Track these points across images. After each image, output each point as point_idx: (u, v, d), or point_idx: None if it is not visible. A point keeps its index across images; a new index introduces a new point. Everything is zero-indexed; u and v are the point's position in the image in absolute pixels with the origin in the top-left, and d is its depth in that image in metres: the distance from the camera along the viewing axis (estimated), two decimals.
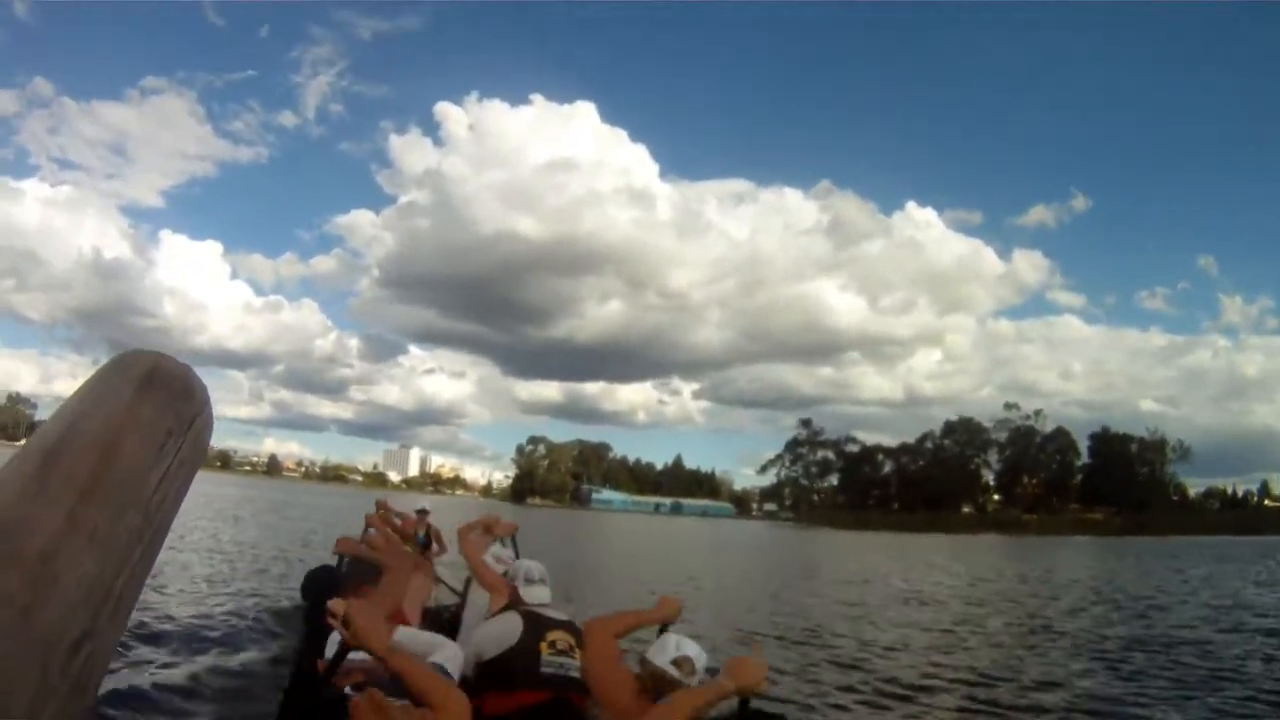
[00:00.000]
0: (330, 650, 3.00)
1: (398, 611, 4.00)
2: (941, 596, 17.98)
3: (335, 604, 2.47)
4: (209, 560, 14.69)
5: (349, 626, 2.40)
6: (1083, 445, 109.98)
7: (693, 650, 2.82)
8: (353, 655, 2.69)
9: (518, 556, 5.65)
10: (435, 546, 9.47)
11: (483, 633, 3.84)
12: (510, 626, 3.69)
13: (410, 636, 3.24)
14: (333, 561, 6.89)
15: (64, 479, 0.56)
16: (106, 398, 0.65)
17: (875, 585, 20.30)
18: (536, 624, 3.70)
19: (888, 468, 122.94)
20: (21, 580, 0.48)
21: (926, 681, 8.39)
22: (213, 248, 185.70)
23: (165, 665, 7.07)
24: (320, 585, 3.70)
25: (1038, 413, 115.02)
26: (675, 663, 2.76)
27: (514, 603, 3.92)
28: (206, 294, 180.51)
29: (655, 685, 2.74)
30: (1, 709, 0.44)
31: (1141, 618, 14.07)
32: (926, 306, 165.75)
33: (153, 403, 0.66)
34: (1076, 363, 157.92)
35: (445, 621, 6.09)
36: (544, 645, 3.63)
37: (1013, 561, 33.19)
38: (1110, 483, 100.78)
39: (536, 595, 3.89)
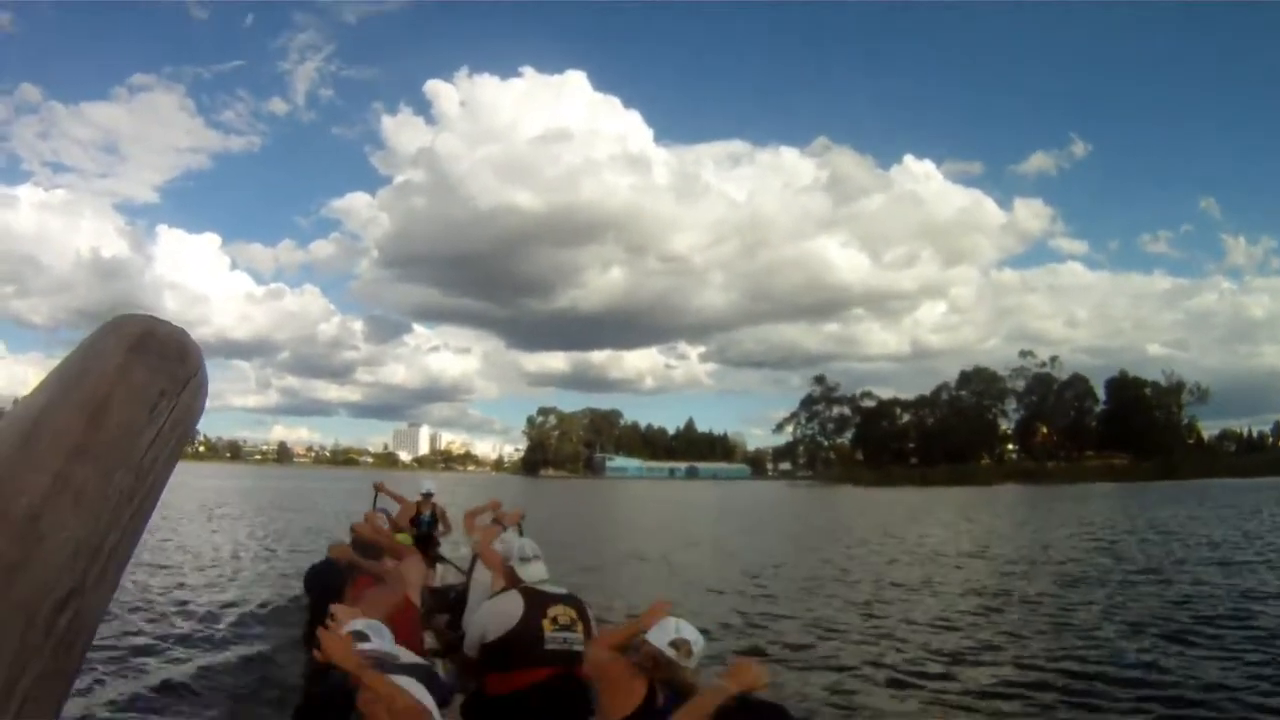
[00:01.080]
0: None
1: (406, 602, 4.00)
2: (1069, 570, 14.52)
3: (336, 609, 2.56)
4: (213, 557, 14.87)
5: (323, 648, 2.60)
6: (1097, 391, 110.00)
7: (691, 634, 2.88)
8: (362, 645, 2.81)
9: (522, 534, 5.64)
10: (441, 526, 9.58)
11: (485, 613, 3.86)
12: (511, 605, 3.72)
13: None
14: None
15: (51, 440, 0.56)
16: (97, 361, 0.65)
17: (985, 558, 17.34)
18: (537, 600, 3.73)
19: (904, 421, 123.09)
20: (6, 539, 0.49)
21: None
22: (211, 240, 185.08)
23: (177, 660, 7.32)
24: (322, 579, 3.75)
25: (1053, 359, 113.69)
26: (673, 644, 2.83)
27: (512, 582, 3.93)
28: (207, 286, 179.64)
29: (653, 666, 2.83)
30: None
31: None
32: (929, 259, 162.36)
33: (144, 365, 0.66)
34: (1081, 309, 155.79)
35: (452, 601, 6.09)
36: (546, 621, 3.67)
37: (1093, 515, 29.09)
38: (1128, 428, 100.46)
39: (533, 573, 3.90)
